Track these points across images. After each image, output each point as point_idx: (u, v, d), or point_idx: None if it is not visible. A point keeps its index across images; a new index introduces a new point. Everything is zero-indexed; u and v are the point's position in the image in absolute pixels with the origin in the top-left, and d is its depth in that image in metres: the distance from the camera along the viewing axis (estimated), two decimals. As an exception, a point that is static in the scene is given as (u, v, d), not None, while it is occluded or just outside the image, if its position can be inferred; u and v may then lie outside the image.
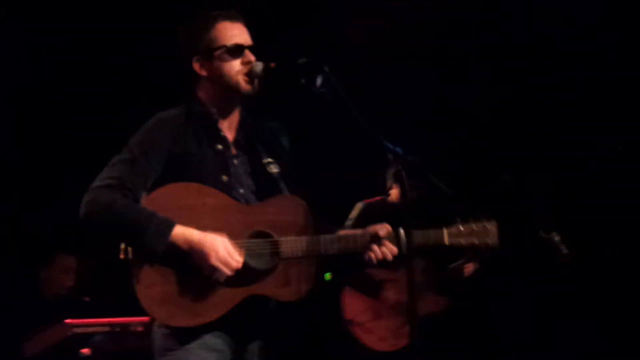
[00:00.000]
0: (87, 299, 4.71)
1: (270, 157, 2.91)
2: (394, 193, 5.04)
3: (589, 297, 5.59)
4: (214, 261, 2.56)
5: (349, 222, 4.79)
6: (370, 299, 4.82)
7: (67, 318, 4.18)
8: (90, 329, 4.16)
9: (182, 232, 2.57)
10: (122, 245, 2.61)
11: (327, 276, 4.90)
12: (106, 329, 4.19)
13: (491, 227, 2.91)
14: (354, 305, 4.77)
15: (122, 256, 2.61)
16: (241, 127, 2.91)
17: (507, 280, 5.64)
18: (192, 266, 2.58)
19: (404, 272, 4.59)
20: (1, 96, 5.25)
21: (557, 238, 4.38)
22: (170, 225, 2.56)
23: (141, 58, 5.37)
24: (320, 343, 5.43)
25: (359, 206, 4.97)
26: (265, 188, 2.85)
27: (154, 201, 2.62)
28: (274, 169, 2.89)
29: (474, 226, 2.91)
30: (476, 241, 2.90)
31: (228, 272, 2.58)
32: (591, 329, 5.57)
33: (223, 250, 2.57)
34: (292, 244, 2.72)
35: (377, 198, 5.04)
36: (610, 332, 5.54)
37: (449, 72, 5.92)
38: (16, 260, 5.27)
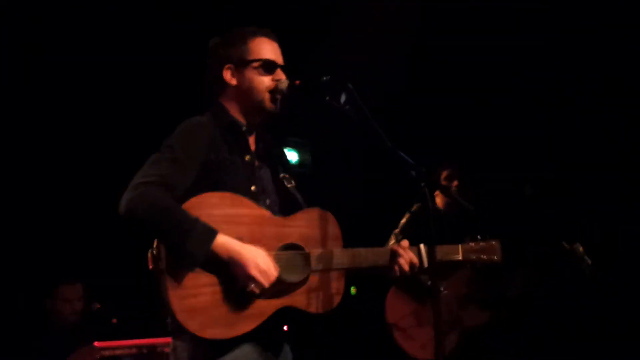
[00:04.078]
0: (114, 320, 4.68)
1: (285, 173, 2.96)
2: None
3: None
4: (254, 272, 2.55)
5: (397, 230, 4.80)
6: (415, 304, 4.73)
7: (95, 341, 4.19)
8: (119, 352, 4.12)
9: (223, 241, 2.54)
10: (150, 255, 2.54)
11: (353, 290, 4.85)
12: (134, 350, 4.15)
13: (496, 244, 3.20)
14: (397, 309, 4.71)
15: (151, 267, 2.55)
16: (260, 140, 2.95)
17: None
18: (227, 277, 2.56)
19: (450, 282, 4.66)
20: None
21: (580, 249, 4.38)
22: (213, 233, 2.53)
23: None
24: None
25: (407, 215, 4.94)
26: (284, 201, 2.89)
27: (190, 210, 2.55)
28: (290, 183, 2.93)
29: (482, 243, 3.17)
30: (484, 257, 3.16)
31: (265, 284, 2.57)
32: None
33: (262, 262, 2.57)
34: (322, 256, 2.74)
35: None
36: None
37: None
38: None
